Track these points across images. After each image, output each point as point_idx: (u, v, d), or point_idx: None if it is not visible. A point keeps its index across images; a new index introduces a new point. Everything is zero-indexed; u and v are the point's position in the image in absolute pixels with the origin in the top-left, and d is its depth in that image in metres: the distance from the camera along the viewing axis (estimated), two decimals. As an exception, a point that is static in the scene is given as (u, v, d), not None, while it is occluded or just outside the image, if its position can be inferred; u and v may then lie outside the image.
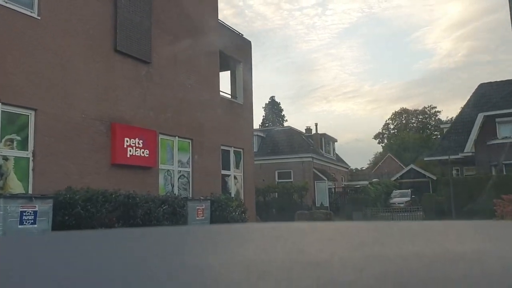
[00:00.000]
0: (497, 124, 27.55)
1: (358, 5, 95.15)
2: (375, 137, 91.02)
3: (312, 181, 32.15)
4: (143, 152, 12.73)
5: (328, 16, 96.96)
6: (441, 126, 32.62)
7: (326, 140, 37.51)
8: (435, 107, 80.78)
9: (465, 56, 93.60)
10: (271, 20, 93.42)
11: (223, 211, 13.99)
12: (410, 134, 78.66)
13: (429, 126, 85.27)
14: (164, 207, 11.94)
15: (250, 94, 18.81)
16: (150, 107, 13.39)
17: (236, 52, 18.11)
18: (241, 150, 17.83)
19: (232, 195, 16.56)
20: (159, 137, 13.78)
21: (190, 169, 14.98)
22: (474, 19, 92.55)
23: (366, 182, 32.68)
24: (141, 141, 12.68)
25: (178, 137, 14.57)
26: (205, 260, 0.85)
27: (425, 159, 30.78)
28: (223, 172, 16.63)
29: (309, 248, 1.01)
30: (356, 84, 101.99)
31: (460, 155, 27.93)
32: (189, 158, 15.04)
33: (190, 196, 14.50)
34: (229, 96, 18.02)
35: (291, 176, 32.58)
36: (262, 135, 35.52)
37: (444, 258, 0.82)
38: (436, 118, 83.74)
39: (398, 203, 31.70)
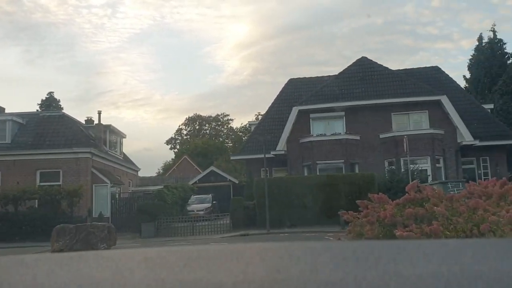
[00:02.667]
0: (311, 120, 24.55)
1: (150, 12, 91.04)
2: (167, 142, 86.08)
3: (89, 184, 24.14)
4: None
5: (118, 19, 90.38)
6: (249, 123, 28.54)
7: (112, 134, 29.80)
8: (228, 115, 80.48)
9: (250, 76, 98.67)
10: (54, 14, 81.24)
11: None
12: (204, 140, 76.14)
13: (222, 134, 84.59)
14: None
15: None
16: None
17: None
18: None
19: None
20: None
21: None
22: (258, 42, 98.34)
23: (160, 187, 26.31)
24: None
25: None
26: None
27: (232, 158, 26.15)
28: None
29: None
30: (147, 92, 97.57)
31: (272, 154, 24.00)
32: None
33: None
34: None
35: (60, 177, 23.95)
36: (20, 121, 25.80)
37: None
38: (229, 126, 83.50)
39: (198, 211, 26.26)
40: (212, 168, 32.63)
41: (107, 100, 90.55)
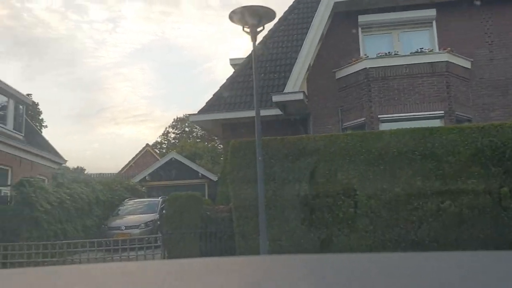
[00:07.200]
0: (360, 30, 11.45)
1: (152, 28, 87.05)
2: (153, 146, 72.95)
3: None
4: None
5: (119, 34, 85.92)
6: (230, 61, 15.34)
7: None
8: (223, 114, 68.12)
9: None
10: (55, 29, 76.62)
11: None
12: (193, 143, 62.85)
13: (215, 137, 71.38)
14: None
15: None
16: None
17: None
18: None
19: None
20: None
21: None
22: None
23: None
24: None
25: None
26: None
27: (193, 119, 12.84)
28: None
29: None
30: (147, 108, 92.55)
31: (275, 101, 10.90)
32: None
33: None
34: None
35: None
36: None
37: None
38: (223, 129, 70.19)
39: (128, 227, 13.14)
40: (173, 156, 19.51)
41: (107, 116, 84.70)
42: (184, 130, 72.88)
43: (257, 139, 6.82)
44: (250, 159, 7.43)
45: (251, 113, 11.86)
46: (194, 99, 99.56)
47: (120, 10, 79.78)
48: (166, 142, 73.80)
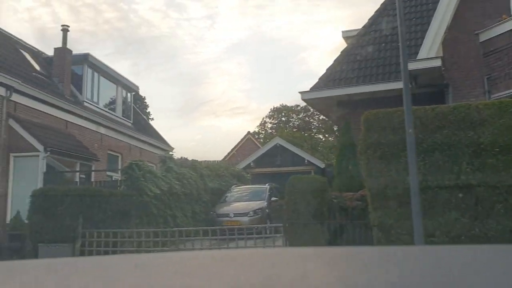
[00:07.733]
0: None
1: (248, 22, 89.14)
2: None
3: (4, 152, 11.39)
4: None
5: (217, 30, 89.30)
6: (342, 33, 13.84)
7: (103, 77, 16.96)
8: (320, 103, 66.39)
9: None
10: (158, 27, 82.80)
11: None
12: (289, 132, 62.13)
13: (311, 127, 70.43)
14: None
15: None
16: None
17: None
18: None
19: None
20: None
21: None
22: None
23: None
24: None
25: None
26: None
27: (304, 97, 11.48)
28: None
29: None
30: (244, 100, 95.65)
31: (411, 69, 9.29)
32: None
33: None
34: None
35: None
36: None
37: None
38: (320, 118, 68.71)
39: (237, 215, 12.41)
40: (277, 141, 18.52)
41: (206, 110, 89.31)
42: (280, 120, 72.43)
43: (406, 106, 5.43)
44: (390, 135, 6.07)
45: (372, 88, 10.39)
46: (288, 90, 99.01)
47: (217, 6, 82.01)
48: (263, 132, 73.88)
